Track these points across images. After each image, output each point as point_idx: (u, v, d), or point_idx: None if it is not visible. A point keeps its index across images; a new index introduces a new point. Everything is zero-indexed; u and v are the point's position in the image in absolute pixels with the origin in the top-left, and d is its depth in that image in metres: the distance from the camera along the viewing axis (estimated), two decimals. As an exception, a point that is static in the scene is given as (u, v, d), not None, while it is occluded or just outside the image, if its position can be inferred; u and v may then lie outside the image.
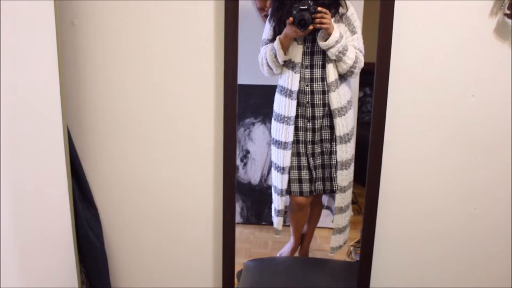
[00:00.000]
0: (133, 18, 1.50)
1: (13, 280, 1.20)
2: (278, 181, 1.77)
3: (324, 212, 1.90)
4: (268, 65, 1.68)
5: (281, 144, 1.73)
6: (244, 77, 1.75)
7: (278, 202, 1.79)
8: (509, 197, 1.58)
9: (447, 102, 1.51)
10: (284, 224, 1.87)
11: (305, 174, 1.76)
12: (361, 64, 1.64)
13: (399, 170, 1.58)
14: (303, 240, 1.93)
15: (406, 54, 1.48)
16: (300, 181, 1.77)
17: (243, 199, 1.97)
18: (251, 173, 1.93)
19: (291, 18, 1.57)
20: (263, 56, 1.69)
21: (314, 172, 1.76)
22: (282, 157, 1.74)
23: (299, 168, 1.75)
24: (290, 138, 1.71)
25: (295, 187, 1.77)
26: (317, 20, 1.56)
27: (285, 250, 1.92)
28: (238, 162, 1.92)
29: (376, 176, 1.54)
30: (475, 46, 1.46)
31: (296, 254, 1.93)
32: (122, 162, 1.62)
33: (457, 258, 1.65)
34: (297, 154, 1.74)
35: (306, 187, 1.77)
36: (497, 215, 1.60)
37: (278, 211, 1.80)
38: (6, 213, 1.15)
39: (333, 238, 1.79)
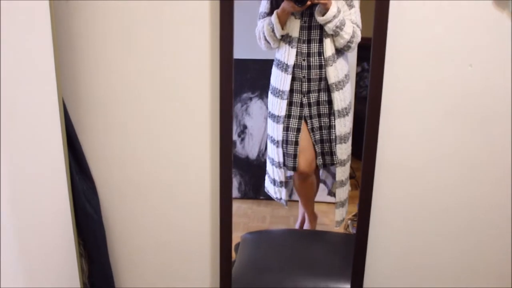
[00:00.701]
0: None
1: (12, 253, 1.22)
2: (274, 154, 1.79)
3: (321, 186, 1.91)
4: (266, 39, 1.68)
5: (275, 118, 1.74)
6: (241, 52, 1.74)
7: (278, 174, 1.81)
8: (508, 163, 1.57)
9: (445, 73, 1.50)
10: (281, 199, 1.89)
11: (290, 149, 1.77)
12: (358, 39, 1.63)
13: (396, 143, 1.57)
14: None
15: (402, 26, 1.46)
16: (287, 155, 1.78)
17: (241, 174, 1.98)
18: (248, 148, 1.94)
19: None
20: (260, 30, 1.69)
21: (316, 146, 1.77)
22: (277, 131, 1.75)
23: (287, 142, 1.77)
24: (283, 112, 1.72)
25: (285, 160, 1.80)
26: None
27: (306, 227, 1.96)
28: (235, 137, 1.93)
29: (372, 149, 1.54)
30: (473, 15, 1.44)
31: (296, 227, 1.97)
32: (119, 136, 1.62)
33: (455, 232, 1.66)
34: (286, 129, 1.76)
35: (289, 162, 1.79)
36: (498, 186, 1.60)
37: (281, 182, 1.82)
38: (4, 185, 1.16)
39: (336, 212, 1.82)
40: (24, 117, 1.25)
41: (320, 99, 1.72)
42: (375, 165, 1.56)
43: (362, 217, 1.62)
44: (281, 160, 1.78)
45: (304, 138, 1.77)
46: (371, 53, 1.46)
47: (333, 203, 1.83)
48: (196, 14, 1.49)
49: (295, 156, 1.78)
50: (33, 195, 1.32)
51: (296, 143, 1.77)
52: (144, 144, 1.63)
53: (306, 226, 1.95)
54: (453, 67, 1.49)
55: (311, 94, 1.71)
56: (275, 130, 1.76)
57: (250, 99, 1.88)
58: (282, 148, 1.78)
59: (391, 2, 1.41)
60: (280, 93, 1.71)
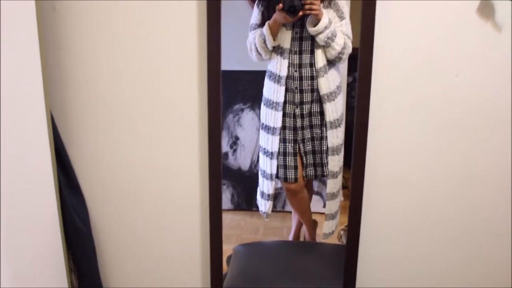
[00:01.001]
0: (115, 4, 1.49)
1: (0, 269, 1.20)
2: (267, 166, 1.78)
3: (315, 197, 1.91)
4: (257, 51, 1.68)
5: (270, 129, 1.74)
6: (232, 63, 1.75)
7: (268, 187, 1.80)
8: (497, 172, 1.58)
9: (431, 83, 1.51)
10: (274, 210, 1.88)
11: (290, 160, 1.76)
12: (349, 50, 1.64)
13: (385, 152, 1.58)
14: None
15: (389, 36, 1.47)
16: (285, 167, 1.77)
17: (233, 186, 1.98)
18: (240, 160, 1.94)
19: (280, 5, 1.56)
20: (251, 41, 1.69)
21: (304, 158, 1.77)
22: (271, 142, 1.74)
23: (285, 154, 1.76)
24: (278, 123, 1.72)
25: (281, 173, 1.78)
26: (307, 6, 1.56)
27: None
28: (227, 148, 1.93)
29: (361, 159, 1.54)
30: (458, 25, 1.45)
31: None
32: (108, 149, 1.62)
33: (447, 240, 1.66)
34: (283, 140, 1.75)
35: (291, 173, 1.78)
36: (491, 193, 1.60)
37: (268, 195, 1.81)
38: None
39: (326, 224, 1.81)
40: (12, 131, 1.24)
41: (312, 110, 1.71)
42: (364, 176, 1.56)
43: (352, 228, 1.61)
44: (274, 172, 1.77)
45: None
46: (358, 63, 1.46)
47: (327, 214, 1.83)
48: (183, 22, 1.49)
49: (295, 167, 1.77)
50: (22, 210, 1.31)
51: (295, 154, 1.76)
52: (133, 157, 1.63)
53: (306, 238, 1.94)
54: (439, 76, 1.50)
55: (304, 106, 1.71)
56: (270, 142, 1.75)
57: (242, 110, 1.88)
58: (277, 160, 1.77)
59: (377, 12, 1.42)
60: (275, 104, 1.71)
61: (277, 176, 1.79)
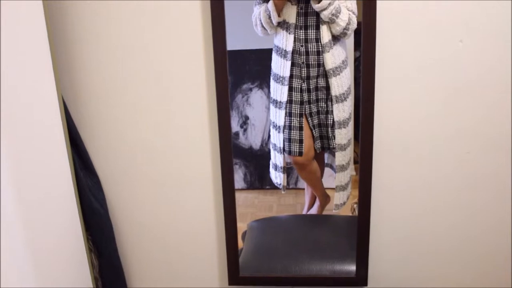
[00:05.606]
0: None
1: (22, 251, 1.24)
2: (276, 139, 1.80)
3: (327, 172, 1.92)
4: (262, 25, 1.69)
5: (277, 103, 1.76)
6: (238, 43, 1.76)
7: (279, 160, 1.82)
8: (502, 137, 1.58)
9: (436, 49, 1.50)
10: (287, 187, 1.90)
11: (295, 134, 1.78)
12: (354, 26, 1.63)
13: (391, 120, 1.59)
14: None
15: (391, 5, 1.47)
16: (289, 140, 1.79)
17: (246, 165, 1.99)
18: (251, 138, 1.95)
19: None
20: (256, 16, 1.69)
21: (313, 131, 1.78)
22: (278, 116, 1.76)
23: (290, 128, 1.77)
24: (284, 98, 1.73)
25: (286, 146, 1.80)
26: None
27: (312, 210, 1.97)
28: (238, 128, 1.94)
29: (369, 127, 1.56)
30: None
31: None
32: (120, 130, 1.65)
33: (453, 204, 1.67)
34: (289, 114, 1.76)
35: (295, 147, 1.79)
36: (491, 158, 1.60)
37: (281, 167, 1.83)
38: (10, 185, 1.19)
39: (336, 195, 1.82)
40: (25, 116, 1.27)
41: (319, 84, 1.72)
42: (372, 147, 1.57)
43: (363, 199, 1.63)
44: (282, 145, 1.79)
45: (304, 126, 1.78)
46: (361, 34, 1.47)
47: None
48: (187, 6, 1.51)
49: (300, 141, 1.79)
50: (39, 193, 1.34)
51: (301, 128, 1.77)
52: (144, 137, 1.65)
53: (313, 209, 1.95)
54: (443, 42, 1.50)
55: (310, 80, 1.72)
56: (278, 116, 1.77)
57: (250, 89, 1.89)
58: (283, 133, 1.79)
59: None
60: (281, 79, 1.72)
61: (284, 150, 1.81)
